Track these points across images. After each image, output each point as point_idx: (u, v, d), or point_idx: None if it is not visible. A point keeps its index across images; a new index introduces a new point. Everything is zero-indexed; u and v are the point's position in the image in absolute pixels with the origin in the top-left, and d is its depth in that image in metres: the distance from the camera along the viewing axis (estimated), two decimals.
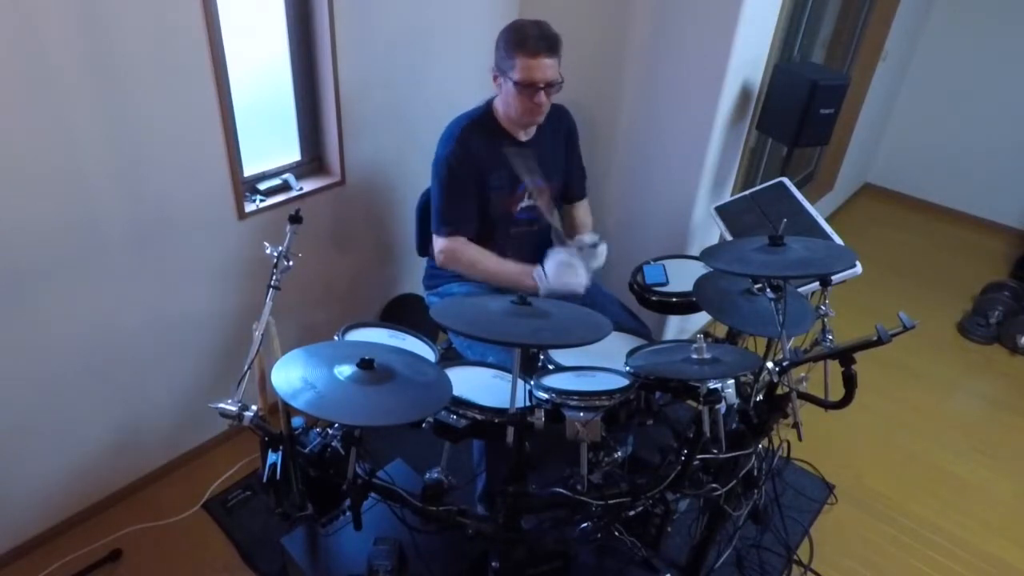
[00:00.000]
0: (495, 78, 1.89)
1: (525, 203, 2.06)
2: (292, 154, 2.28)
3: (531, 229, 2.10)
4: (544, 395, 1.47)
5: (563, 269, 1.87)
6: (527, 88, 1.83)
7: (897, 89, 4.42)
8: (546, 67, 1.82)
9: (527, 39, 1.80)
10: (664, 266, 2.06)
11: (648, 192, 2.65)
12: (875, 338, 1.30)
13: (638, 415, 1.58)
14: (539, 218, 2.10)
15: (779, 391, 1.50)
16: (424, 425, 1.48)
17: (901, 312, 1.29)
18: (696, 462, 1.51)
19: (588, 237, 1.99)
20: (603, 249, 1.99)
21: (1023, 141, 4.13)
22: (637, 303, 2.06)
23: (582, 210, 2.27)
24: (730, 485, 1.59)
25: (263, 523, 2.10)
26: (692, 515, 2.01)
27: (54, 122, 1.60)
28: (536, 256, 2.16)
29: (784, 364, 1.44)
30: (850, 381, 1.40)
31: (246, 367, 1.41)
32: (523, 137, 2.00)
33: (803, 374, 1.58)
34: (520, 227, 2.09)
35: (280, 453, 1.46)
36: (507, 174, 1.98)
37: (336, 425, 1.51)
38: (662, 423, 1.75)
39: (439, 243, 1.98)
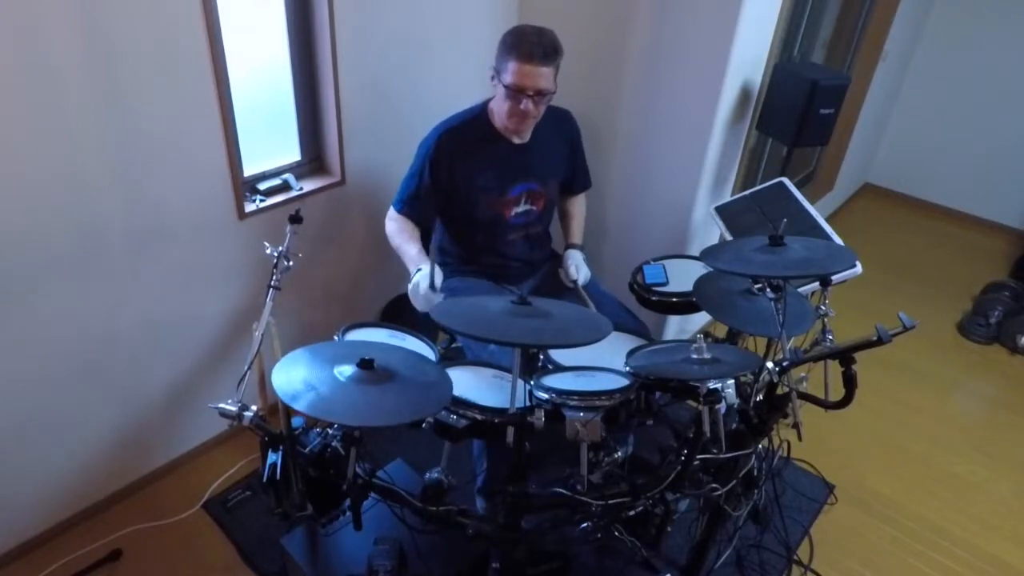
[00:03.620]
0: (492, 78, 1.89)
1: (521, 208, 2.06)
2: (292, 154, 2.28)
3: (527, 232, 2.12)
4: (544, 395, 1.47)
5: (420, 293, 1.81)
6: (516, 93, 1.83)
7: (897, 89, 4.42)
8: (538, 75, 1.81)
9: (524, 44, 1.79)
10: (664, 266, 2.06)
11: (648, 192, 2.65)
12: (875, 338, 1.30)
13: (638, 415, 1.58)
14: (534, 221, 2.12)
15: (779, 391, 1.50)
16: (424, 425, 1.48)
17: (901, 312, 1.29)
18: (696, 462, 1.51)
19: (572, 273, 2.09)
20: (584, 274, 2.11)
21: (1023, 141, 4.14)
22: (637, 303, 2.06)
23: (577, 203, 2.29)
24: (730, 485, 1.59)
25: (263, 523, 2.10)
26: (692, 515, 2.01)
27: (54, 122, 1.60)
28: (532, 256, 2.17)
29: (784, 364, 1.44)
30: (850, 381, 1.40)
31: (246, 367, 1.41)
32: (516, 140, 2.00)
33: (803, 374, 1.58)
34: (517, 232, 2.10)
35: (280, 453, 1.45)
36: (495, 175, 1.98)
37: (336, 425, 1.51)
38: (662, 423, 1.74)
39: (391, 214, 2.05)
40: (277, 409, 1.49)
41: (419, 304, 1.82)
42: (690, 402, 1.53)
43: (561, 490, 1.48)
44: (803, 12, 2.88)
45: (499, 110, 1.92)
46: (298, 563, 1.72)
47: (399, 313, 2.72)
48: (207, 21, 1.76)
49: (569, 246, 2.20)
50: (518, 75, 1.81)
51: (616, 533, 1.78)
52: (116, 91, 1.67)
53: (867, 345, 1.33)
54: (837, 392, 1.44)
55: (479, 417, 1.47)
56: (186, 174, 1.90)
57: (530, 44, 1.79)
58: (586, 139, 2.22)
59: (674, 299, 1.97)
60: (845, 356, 1.38)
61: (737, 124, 2.54)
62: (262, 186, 2.17)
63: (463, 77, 2.54)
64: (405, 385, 1.32)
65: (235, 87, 1.91)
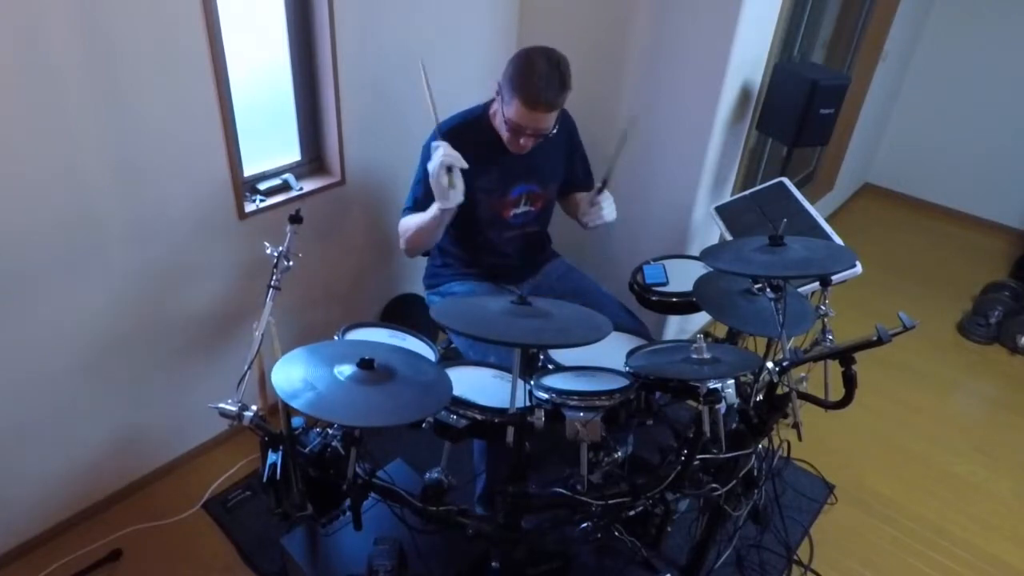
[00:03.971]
0: (497, 93, 1.86)
1: (520, 208, 2.06)
2: (292, 154, 2.28)
3: (524, 231, 2.12)
4: (544, 395, 1.47)
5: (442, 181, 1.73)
6: (515, 130, 1.83)
7: (897, 89, 4.42)
8: (541, 119, 1.80)
9: (531, 87, 1.74)
10: (664, 266, 2.06)
11: (648, 192, 2.65)
12: (875, 338, 1.30)
13: (638, 415, 1.58)
14: (532, 221, 2.12)
15: (779, 391, 1.50)
16: (424, 425, 1.48)
17: (901, 312, 1.29)
18: (696, 462, 1.51)
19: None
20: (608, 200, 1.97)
21: (1023, 141, 4.13)
22: (637, 303, 2.06)
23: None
24: (730, 485, 1.59)
25: (263, 523, 2.10)
26: (692, 515, 2.01)
27: (54, 122, 1.60)
28: (531, 256, 2.18)
29: (784, 364, 1.44)
30: (850, 381, 1.40)
31: (246, 367, 1.41)
32: None
33: (803, 374, 1.58)
34: (514, 231, 2.10)
35: (280, 453, 1.46)
36: (497, 176, 1.98)
37: (336, 425, 1.51)
38: (662, 423, 1.75)
39: (404, 217, 1.99)
40: (277, 409, 1.49)
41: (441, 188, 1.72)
42: (690, 402, 1.53)
43: (561, 490, 1.49)
44: (803, 12, 2.88)
45: (499, 128, 1.91)
46: (298, 563, 1.72)
47: (399, 313, 2.72)
48: (207, 21, 1.76)
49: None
50: (520, 117, 1.79)
51: (616, 533, 1.78)
52: (116, 91, 1.67)
53: (867, 345, 1.33)
54: (837, 392, 1.44)
55: (479, 417, 1.47)
56: (186, 174, 1.90)
57: (537, 89, 1.74)
58: (586, 138, 2.21)
59: (674, 299, 1.97)
60: (845, 356, 1.38)
61: (737, 124, 2.54)
62: (262, 186, 2.17)
63: (463, 77, 2.53)
64: (405, 385, 1.32)
65: (235, 87, 1.91)
